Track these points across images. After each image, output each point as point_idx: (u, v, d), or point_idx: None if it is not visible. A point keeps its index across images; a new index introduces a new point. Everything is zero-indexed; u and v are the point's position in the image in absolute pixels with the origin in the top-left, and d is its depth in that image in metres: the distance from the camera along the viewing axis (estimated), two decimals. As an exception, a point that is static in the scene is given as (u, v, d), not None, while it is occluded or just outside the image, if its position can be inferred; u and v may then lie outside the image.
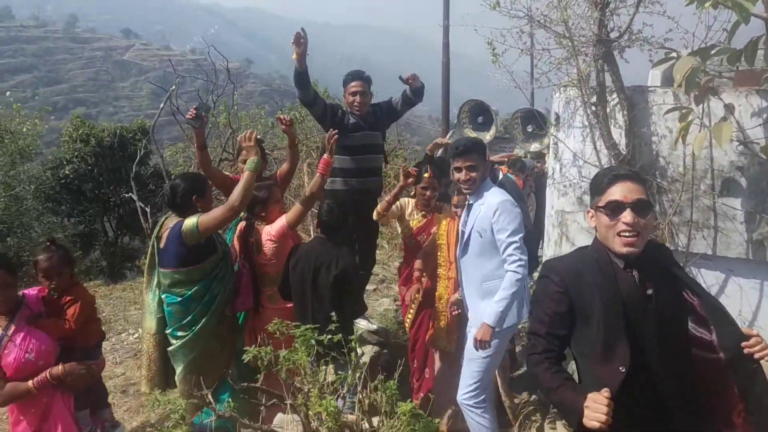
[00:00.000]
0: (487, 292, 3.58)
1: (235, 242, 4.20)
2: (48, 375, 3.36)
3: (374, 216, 4.55)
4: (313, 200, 4.29)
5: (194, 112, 4.16)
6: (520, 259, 3.40)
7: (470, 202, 3.70)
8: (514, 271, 3.39)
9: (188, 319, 3.72)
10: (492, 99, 10.27)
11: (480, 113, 9.67)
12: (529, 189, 7.88)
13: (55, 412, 3.49)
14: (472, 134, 9.64)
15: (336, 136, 4.19)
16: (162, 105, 8.10)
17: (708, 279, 3.95)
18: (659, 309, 2.20)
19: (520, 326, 4.03)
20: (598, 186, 2.28)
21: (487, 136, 9.50)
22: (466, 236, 3.69)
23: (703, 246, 3.86)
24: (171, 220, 3.74)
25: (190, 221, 3.57)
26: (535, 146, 9.12)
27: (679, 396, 2.19)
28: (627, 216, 2.13)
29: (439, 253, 4.37)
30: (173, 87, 8.02)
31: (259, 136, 3.92)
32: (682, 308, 2.24)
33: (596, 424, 1.87)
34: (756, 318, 3.81)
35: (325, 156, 4.17)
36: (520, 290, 3.43)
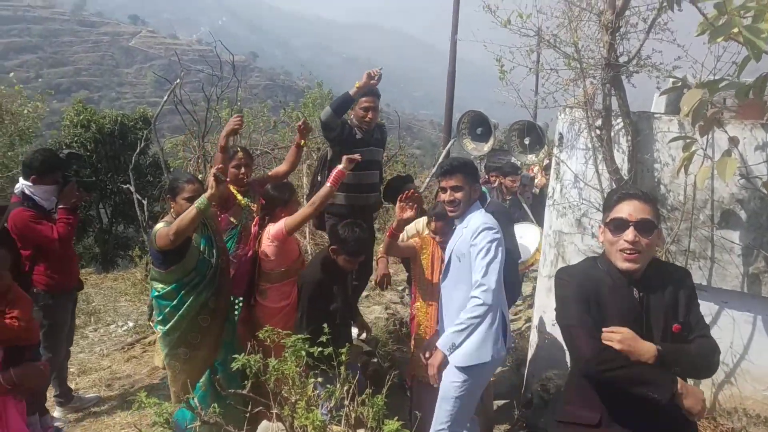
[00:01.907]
0: None
1: (253, 229, 4.21)
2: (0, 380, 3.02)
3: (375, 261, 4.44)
4: (318, 210, 4.08)
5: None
6: (488, 286, 3.11)
7: (455, 225, 3.48)
8: (477, 297, 3.11)
9: (161, 317, 3.77)
10: (493, 107, 10.25)
11: (479, 124, 9.68)
12: (525, 198, 7.90)
13: (8, 419, 3.11)
14: (470, 145, 9.64)
15: (359, 156, 4.09)
16: (165, 98, 8.04)
17: (702, 310, 3.93)
18: (647, 334, 2.25)
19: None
20: (608, 202, 2.36)
21: (485, 148, 9.52)
22: (446, 260, 3.48)
23: (699, 276, 3.85)
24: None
25: (156, 227, 3.58)
26: (530, 158, 9.14)
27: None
28: (629, 234, 2.19)
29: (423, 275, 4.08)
30: (177, 81, 7.95)
31: (219, 175, 3.46)
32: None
33: None
34: (747, 352, 3.81)
35: (340, 167, 3.99)
36: (488, 321, 3.19)
